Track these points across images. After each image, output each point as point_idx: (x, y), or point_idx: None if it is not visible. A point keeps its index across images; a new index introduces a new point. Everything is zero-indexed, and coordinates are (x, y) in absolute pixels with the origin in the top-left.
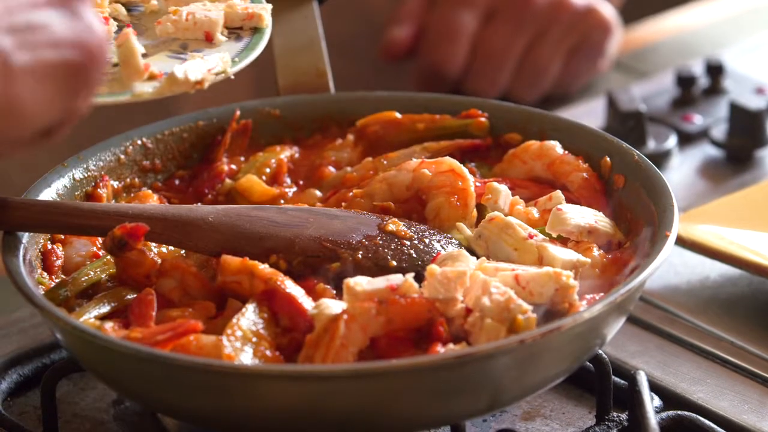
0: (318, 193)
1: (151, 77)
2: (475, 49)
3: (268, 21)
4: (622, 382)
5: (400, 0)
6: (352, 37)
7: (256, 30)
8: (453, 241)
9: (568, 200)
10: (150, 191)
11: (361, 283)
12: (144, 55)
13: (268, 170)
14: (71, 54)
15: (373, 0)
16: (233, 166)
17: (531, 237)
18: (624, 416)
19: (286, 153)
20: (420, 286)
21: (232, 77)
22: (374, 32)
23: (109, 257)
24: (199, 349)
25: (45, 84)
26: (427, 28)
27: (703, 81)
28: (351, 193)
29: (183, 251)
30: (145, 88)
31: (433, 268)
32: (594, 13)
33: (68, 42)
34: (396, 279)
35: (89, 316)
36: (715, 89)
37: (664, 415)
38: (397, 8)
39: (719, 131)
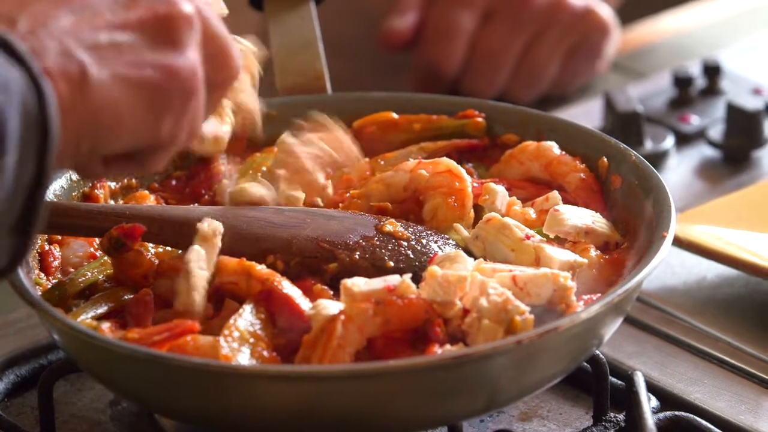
0: None
1: None
2: (473, 49)
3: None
4: (620, 382)
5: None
6: (351, 38)
7: None
8: (450, 242)
9: (565, 201)
10: (147, 192)
11: (358, 283)
12: None
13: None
14: (153, 75)
15: (371, 0)
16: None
17: (528, 238)
18: (621, 417)
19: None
20: (417, 287)
21: None
22: (373, 33)
23: (106, 258)
24: (195, 349)
25: (124, 101)
26: (426, 27)
27: (700, 81)
28: (348, 194)
29: (180, 251)
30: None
31: (434, 269)
32: (592, 15)
33: (151, 63)
34: (393, 280)
35: (86, 317)
36: (712, 90)
37: (661, 415)
38: (396, 4)
39: (716, 132)
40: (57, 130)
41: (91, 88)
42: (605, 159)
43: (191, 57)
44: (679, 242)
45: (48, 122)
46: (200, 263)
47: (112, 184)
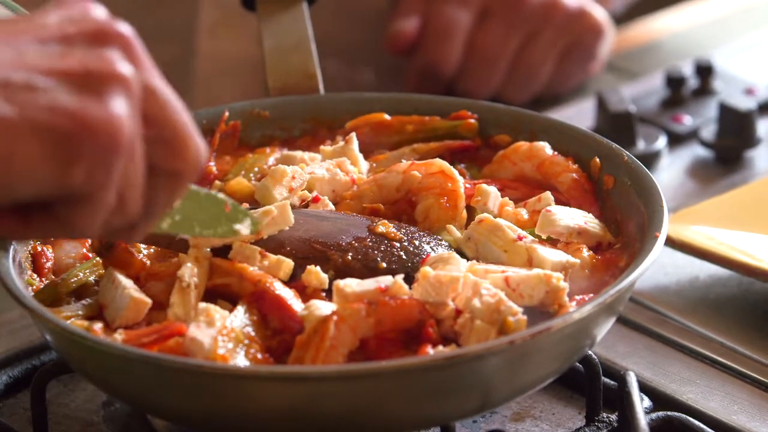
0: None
1: None
2: (469, 48)
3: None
4: (612, 382)
5: (396, 1)
6: (344, 39)
7: None
8: (443, 242)
9: (558, 201)
10: None
11: (350, 284)
12: None
13: (256, 170)
14: (62, 122)
15: (367, 2)
16: (222, 168)
17: (520, 239)
18: (614, 417)
19: (276, 155)
20: (410, 288)
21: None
22: (367, 33)
23: (98, 259)
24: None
25: (25, 142)
26: (424, 25)
27: (692, 82)
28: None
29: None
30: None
31: (426, 270)
32: (586, 16)
33: (64, 110)
34: (386, 280)
35: (78, 317)
36: (704, 90)
37: (653, 415)
38: (396, 5)
39: (709, 132)
40: None
41: None
42: (598, 159)
43: (116, 111)
44: (671, 242)
45: None
46: (194, 278)
47: None
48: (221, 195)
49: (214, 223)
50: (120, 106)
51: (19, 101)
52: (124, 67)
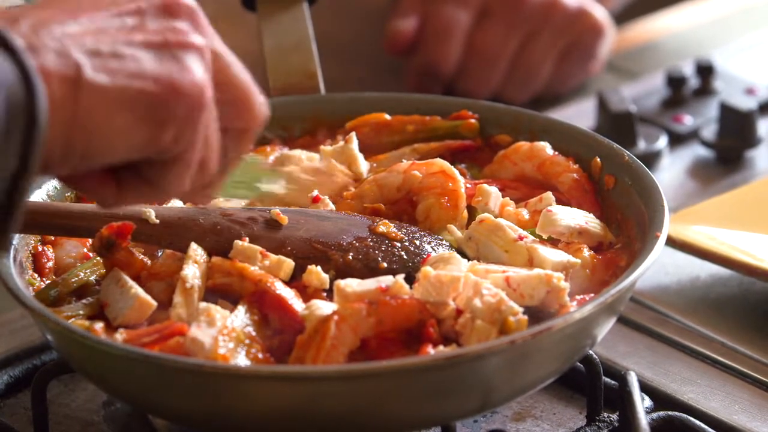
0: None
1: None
2: (468, 48)
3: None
4: (613, 382)
5: (396, 1)
6: (345, 38)
7: None
8: (443, 242)
9: (559, 201)
10: None
11: (351, 284)
12: None
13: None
14: (152, 87)
15: (367, 2)
16: None
17: (521, 239)
18: (615, 417)
19: (276, 154)
20: (411, 288)
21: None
22: (367, 33)
23: (99, 258)
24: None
25: (120, 108)
26: (424, 25)
27: (693, 82)
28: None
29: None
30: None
31: (427, 270)
32: (586, 16)
33: (152, 76)
34: (386, 280)
35: (79, 317)
36: (705, 90)
37: (654, 415)
38: (395, 4)
39: (709, 132)
40: (45, 122)
41: (84, 91)
42: (598, 159)
43: (196, 75)
44: (672, 242)
45: (35, 113)
46: (196, 280)
47: None
48: (258, 157)
49: (254, 183)
50: (200, 71)
51: (109, 69)
52: (197, 36)
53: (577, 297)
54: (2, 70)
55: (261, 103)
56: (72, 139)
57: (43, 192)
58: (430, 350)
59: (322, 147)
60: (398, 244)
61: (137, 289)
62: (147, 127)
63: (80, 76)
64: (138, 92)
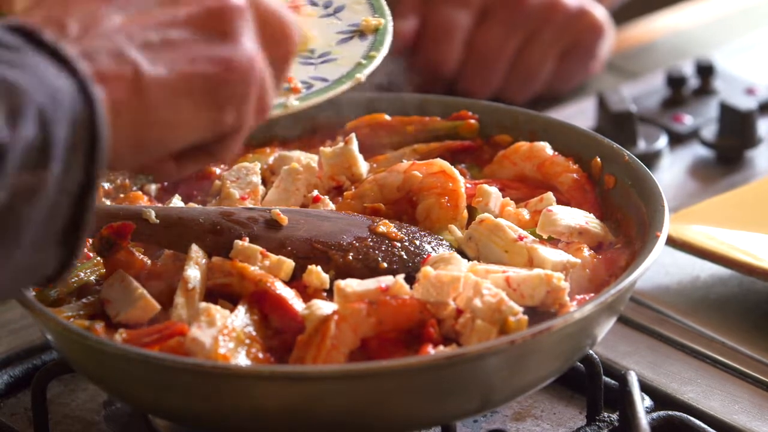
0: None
1: (294, 90)
2: (469, 48)
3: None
4: (613, 382)
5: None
6: None
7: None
8: (444, 242)
9: (559, 201)
10: (140, 193)
11: (351, 284)
12: None
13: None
14: (209, 68)
15: None
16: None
17: (521, 239)
18: (615, 416)
19: (275, 155)
20: (411, 288)
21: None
22: None
23: (99, 258)
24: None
25: (183, 97)
26: (424, 27)
27: (693, 81)
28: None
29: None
30: (293, 102)
31: (427, 270)
32: (586, 16)
33: (206, 57)
34: (386, 280)
35: (79, 317)
36: (705, 90)
37: (654, 415)
38: (395, 5)
39: (709, 131)
40: (106, 136)
41: (146, 87)
42: (598, 159)
43: (247, 46)
44: (672, 242)
45: (97, 128)
46: (197, 281)
47: (106, 185)
48: None
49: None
50: (248, 40)
51: (164, 60)
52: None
53: (577, 297)
54: (62, 87)
55: (295, 28)
56: (140, 136)
57: None
58: (431, 350)
59: (321, 147)
60: (398, 244)
61: (143, 291)
62: (209, 111)
63: (139, 75)
64: (197, 77)
